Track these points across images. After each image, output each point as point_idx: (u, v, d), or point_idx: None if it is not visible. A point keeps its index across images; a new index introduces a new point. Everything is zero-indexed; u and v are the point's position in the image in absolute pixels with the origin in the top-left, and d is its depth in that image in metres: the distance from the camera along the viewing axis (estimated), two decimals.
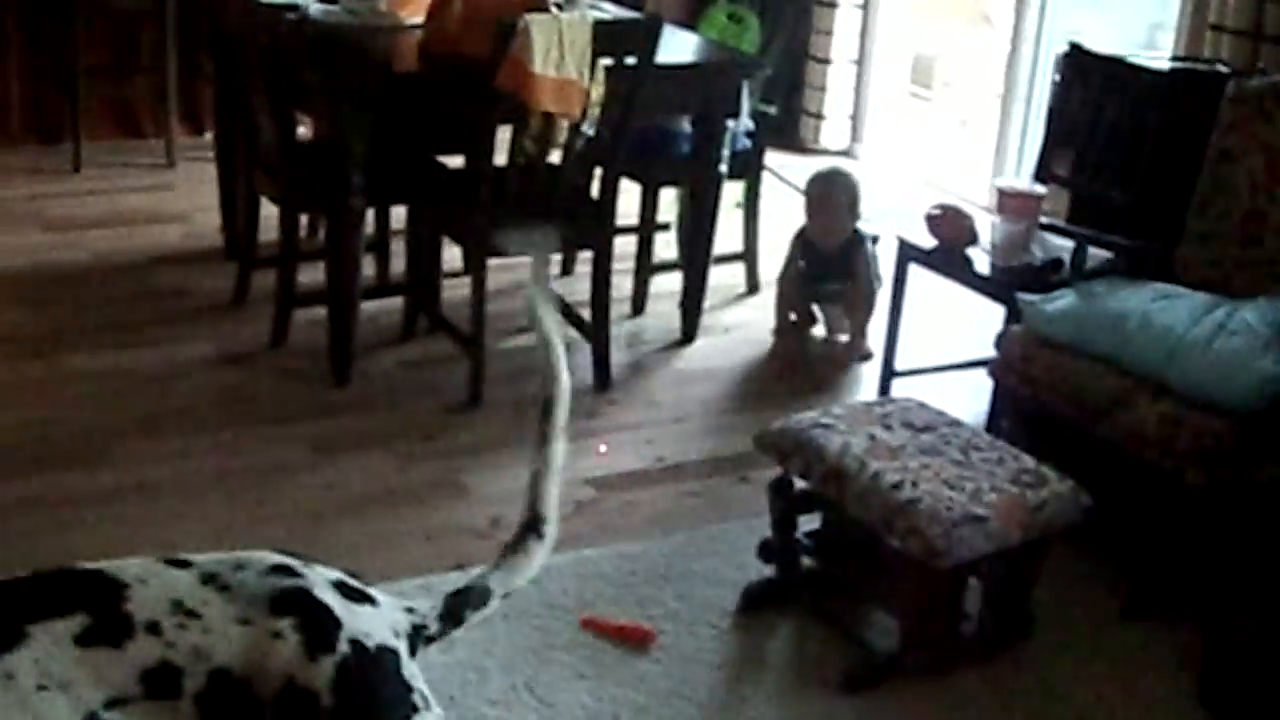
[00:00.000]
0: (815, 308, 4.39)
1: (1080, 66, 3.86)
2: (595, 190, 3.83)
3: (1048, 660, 2.80)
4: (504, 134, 3.59)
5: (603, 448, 3.59)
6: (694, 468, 3.55)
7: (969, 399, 3.67)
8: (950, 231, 3.70)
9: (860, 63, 6.42)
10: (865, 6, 6.32)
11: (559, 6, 3.72)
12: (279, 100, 3.81)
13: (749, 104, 4.29)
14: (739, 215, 4.70)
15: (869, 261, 4.22)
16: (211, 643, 1.40)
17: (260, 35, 3.83)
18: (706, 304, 4.38)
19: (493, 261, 3.71)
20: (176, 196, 5.31)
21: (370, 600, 1.52)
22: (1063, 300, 3.19)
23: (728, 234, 4.51)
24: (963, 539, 2.53)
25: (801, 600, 2.92)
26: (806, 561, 2.96)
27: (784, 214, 4.84)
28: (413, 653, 1.53)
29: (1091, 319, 3.09)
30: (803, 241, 4.28)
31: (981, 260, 3.63)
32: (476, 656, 2.66)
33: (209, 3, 4.57)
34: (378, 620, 1.50)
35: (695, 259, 4.30)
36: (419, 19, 3.88)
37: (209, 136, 5.45)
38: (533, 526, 1.71)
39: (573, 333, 3.90)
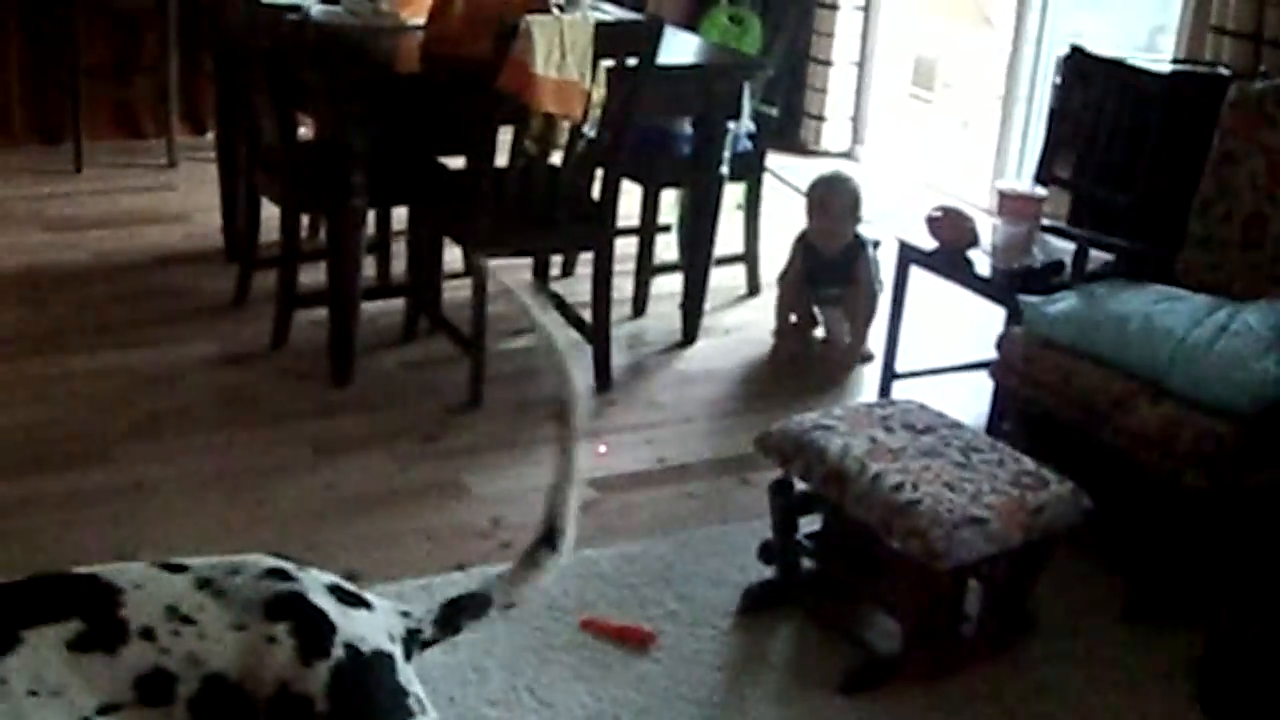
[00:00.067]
0: (816, 310, 4.38)
1: (1081, 69, 3.86)
2: (596, 191, 3.82)
3: (1048, 662, 2.80)
4: (505, 135, 3.59)
5: (603, 448, 3.58)
6: (695, 469, 3.54)
7: (970, 401, 3.66)
8: (951, 233, 3.69)
9: (861, 64, 6.42)
10: (866, 8, 6.32)
11: (560, 8, 3.72)
12: (280, 100, 3.81)
13: (750, 106, 4.28)
14: (740, 217, 4.70)
15: (870, 267, 4.22)
16: (206, 648, 1.40)
17: (262, 35, 3.84)
18: (707, 305, 4.37)
19: (493, 262, 3.71)
20: (178, 197, 5.31)
21: (365, 604, 1.52)
22: (1064, 302, 3.19)
23: (728, 235, 4.50)
24: (963, 541, 2.53)
25: (802, 601, 2.92)
26: (807, 563, 2.95)
27: (785, 216, 4.84)
28: (408, 657, 1.53)
29: (1092, 321, 3.09)
30: (804, 245, 4.27)
31: (982, 262, 3.63)
32: (476, 656, 2.66)
33: (211, 3, 4.57)
34: (373, 624, 1.50)
35: (696, 260, 4.30)
36: (420, 20, 3.88)
37: (210, 137, 5.45)
38: (548, 539, 1.71)
39: (573, 334, 3.90)
